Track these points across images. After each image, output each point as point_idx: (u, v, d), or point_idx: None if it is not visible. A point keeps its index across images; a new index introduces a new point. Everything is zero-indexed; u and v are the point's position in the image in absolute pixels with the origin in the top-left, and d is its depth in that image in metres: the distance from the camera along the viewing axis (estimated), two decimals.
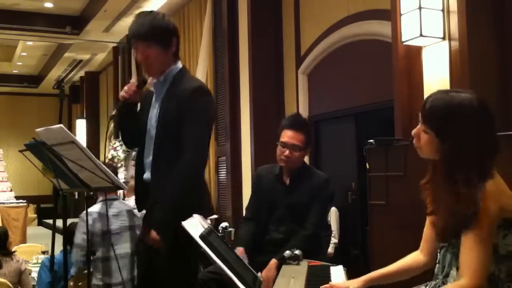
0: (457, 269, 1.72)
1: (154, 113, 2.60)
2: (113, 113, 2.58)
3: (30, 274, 4.94)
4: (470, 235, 1.63)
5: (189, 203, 2.44)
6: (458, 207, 1.65)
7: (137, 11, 9.44)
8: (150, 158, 2.57)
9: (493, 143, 1.73)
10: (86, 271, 3.17)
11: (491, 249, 1.64)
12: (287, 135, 3.07)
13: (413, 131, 1.83)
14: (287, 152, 3.05)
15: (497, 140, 1.75)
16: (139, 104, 2.71)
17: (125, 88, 2.56)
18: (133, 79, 2.75)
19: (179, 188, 2.41)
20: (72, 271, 3.90)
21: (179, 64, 2.62)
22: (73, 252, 3.84)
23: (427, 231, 1.94)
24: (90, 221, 3.73)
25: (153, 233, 2.42)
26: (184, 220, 2.10)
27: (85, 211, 3.13)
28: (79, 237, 3.82)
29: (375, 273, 1.93)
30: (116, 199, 4.11)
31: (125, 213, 3.97)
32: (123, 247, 3.90)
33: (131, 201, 4.35)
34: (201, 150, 2.50)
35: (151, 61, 2.52)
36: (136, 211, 3.85)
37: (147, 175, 2.59)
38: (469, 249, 1.63)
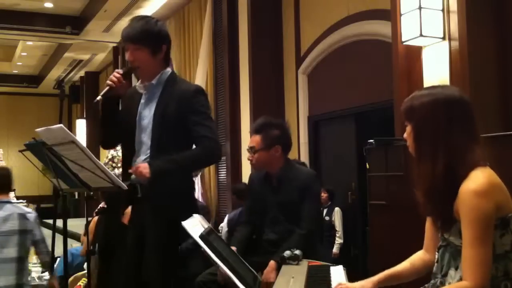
0: (456, 268, 1.72)
1: (146, 113, 2.67)
2: (98, 98, 2.57)
3: (30, 274, 4.95)
4: (468, 235, 1.64)
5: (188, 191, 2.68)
6: (420, 182, 1.74)
7: (137, 11, 9.53)
8: (144, 156, 2.64)
9: (466, 125, 1.75)
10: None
11: (491, 248, 1.64)
12: (250, 141, 3.25)
13: (404, 135, 1.88)
14: (248, 155, 3.21)
15: (475, 126, 1.77)
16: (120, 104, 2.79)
17: (111, 76, 2.61)
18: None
19: (196, 157, 2.59)
20: None
21: (169, 69, 2.74)
22: None
23: (427, 230, 1.94)
24: None
25: (146, 167, 2.47)
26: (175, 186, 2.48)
27: None
28: None
29: (386, 273, 1.93)
30: (9, 202, 4.06)
31: (16, 216, 3.91)
32: (8, 252, 3.84)
33: None
34: (218, 141, 2.67)
35: (139, 64, 2.62)
36: (29, 215, 3.87)
37: None
38: (468, 249, 1.63)
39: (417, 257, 1.98)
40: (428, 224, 1.94)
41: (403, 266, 1.97)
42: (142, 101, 2.71)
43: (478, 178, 1.66)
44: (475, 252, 1.62)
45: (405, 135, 1.86)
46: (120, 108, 2.78)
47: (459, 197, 1.67)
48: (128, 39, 2.61)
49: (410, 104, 1.81)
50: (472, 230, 1.63)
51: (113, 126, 2.73)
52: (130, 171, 2.58)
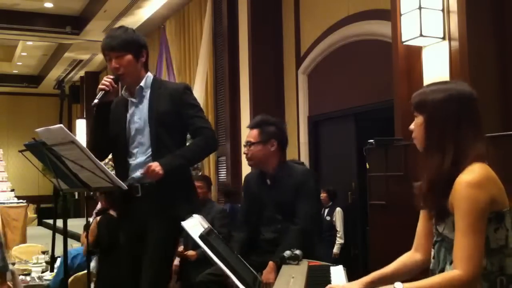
0: (451, 264, 1.72)
1: (138, 115, 2.72)
2: (95, 101, 2.61)
3: (30, 274, 4.95)
4: (461, 225, 1.64)
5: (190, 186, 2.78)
6: (427, 172, 1.75)
7: (137, 11, 9.51)
8: (144, 157, 2.67)
9: (474, 121, 1.78)
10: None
11: (483, 239, 1.64)
12: (247, 135, 3.28)
13: (410, 126, 1.89)
14: (245, 149, 3.25)
15: (481, 123, 1.79)
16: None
17: (103, 81, 2.66)
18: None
19: (199, 148, 2.72)
20: None
21: (151, 74, 2.84)
22: None
23: (420, 227, 1.93)
24: None
25: (157, 165, 2.53)
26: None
27: None
28: None
29: (375, 274, 1.90)
30: None
31: None
32: None
33: None
34: (213, 129, 2.87)
35: (124, 70, 2.68)
36: None
37: (137, 174, 2.66)
38: (460, 238, 1.63)
39: (408, 258, 1.95)
40: (422, 222, 1.92)
41: (395, 267, 1.94)
42: (131, 108, 2.76)
43: (474, 171, 1.68)
44: (467, 241, 1.61)
45: (411, 126, 1.87)
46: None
47: (454, 189, 1.68)
48: (110, 48, 2.69)
49: (424, 97, 1.83)
50: (465, 220, 1.63)
51: (106, 132, 2.75)
52: (141, 171, 2.60)
